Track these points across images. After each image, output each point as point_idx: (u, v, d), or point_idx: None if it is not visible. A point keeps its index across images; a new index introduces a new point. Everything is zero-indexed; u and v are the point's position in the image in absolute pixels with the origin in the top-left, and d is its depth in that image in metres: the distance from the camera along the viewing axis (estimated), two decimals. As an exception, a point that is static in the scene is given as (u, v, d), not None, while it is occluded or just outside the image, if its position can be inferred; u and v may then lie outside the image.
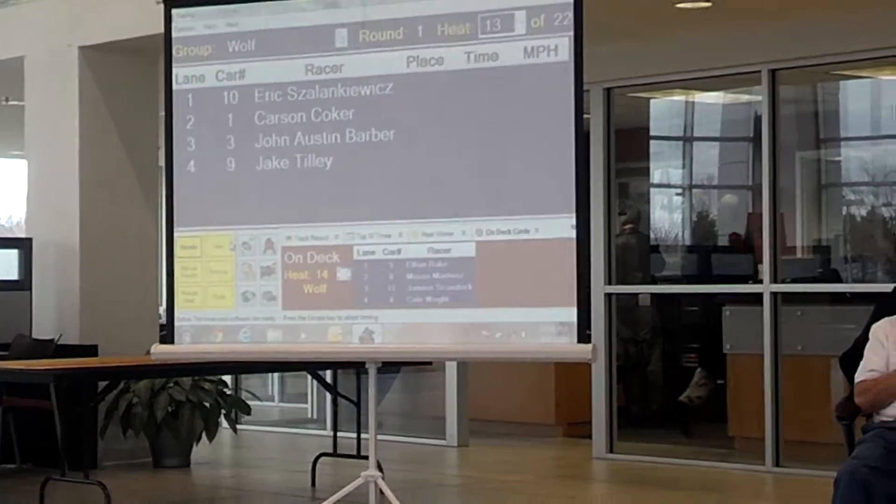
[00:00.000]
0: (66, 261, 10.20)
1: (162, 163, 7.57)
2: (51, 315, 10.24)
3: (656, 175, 13.05)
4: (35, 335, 10.00)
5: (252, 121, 6.98)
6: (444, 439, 11.21)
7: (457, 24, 6.64)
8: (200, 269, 7.09)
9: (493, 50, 6.59)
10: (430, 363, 10.74)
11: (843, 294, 9.99)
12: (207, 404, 9.98)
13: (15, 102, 11.77)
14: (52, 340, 9.79)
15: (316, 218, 6.88)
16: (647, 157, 12.42)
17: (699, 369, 11.34)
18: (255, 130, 6.97)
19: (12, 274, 10.31)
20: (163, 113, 7.23)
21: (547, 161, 6.51)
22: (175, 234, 7.09)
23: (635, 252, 11.58)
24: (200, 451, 10.25)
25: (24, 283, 10.25)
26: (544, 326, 6.53)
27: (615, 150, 10.32)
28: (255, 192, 6.99)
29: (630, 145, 11.59)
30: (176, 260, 7.09)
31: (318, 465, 9.18)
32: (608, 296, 10.24)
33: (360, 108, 6.82)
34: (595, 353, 6.52)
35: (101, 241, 10.22)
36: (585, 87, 6.75)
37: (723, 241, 12.62)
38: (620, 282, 10.49)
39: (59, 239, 10.25)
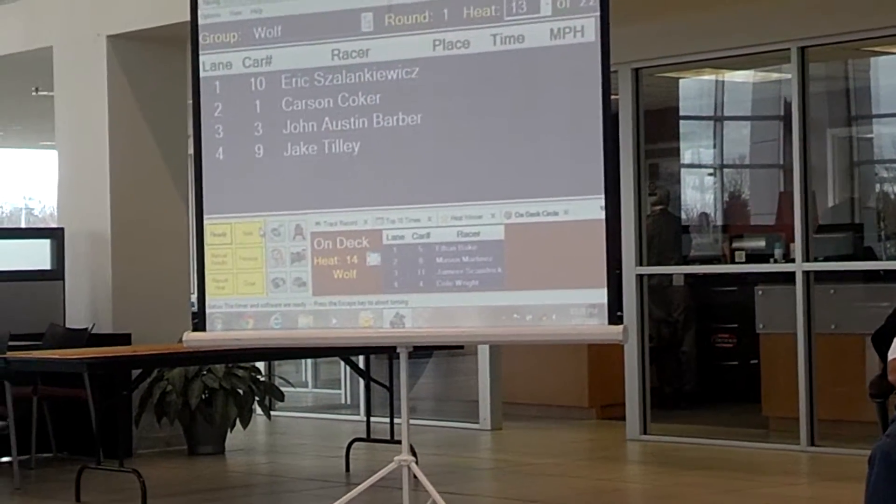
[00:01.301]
0: (98, 250, 10.24)
1: (191, 150, 7.57)
2: (84, 304, 10.28)
3: (687, 155, 13.00)
4: (68, 325, 10.05)
5: (279, 107, 6.98)
6: (478, 423, 11.21)
7: (482, 6, 6.62)
8: (230, 256, 7.09)
9: (519, 32, 6.56)
10: (461, 347, 10.74)
11: (877, 272, 9.94)
12: (241, 391, 10.01)
13: (45, 93, 11.81)
14: (85, 330, 9.83)
15: (345, 203, 6.87)
16: (676, 137, 12.37)
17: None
18: (283, 116, 6.97)
19: (45, 264, 10.36)
20: (191, 101, 7.24)
21: (575, 142, 6.48)
22: (204, 222, 7.09)
23: (666, 233, 11.54)
24: (235, 437, 10.29)
25: (56, 273, 10.29)
26: (575, 308, 6.50)
27: (644, 131, 10.28)
28: (284, 179, 6.98)
29: (659, 126, 11.55)
30: (206, 247, 7.10)
31: (351, 451, 9.20)
32: (640, 277, 10.21)
33: (387, 92, 6.80)
34: (626, 334, 6.49)
35: (133, 230, 10.25)
36: (613, 68, 6.72)
37: (755, 220, 12.58)
38: (652, 263, 10.46)
39: (90, 228, 10.29)
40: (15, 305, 9.89)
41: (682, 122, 12.38)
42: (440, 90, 6.73)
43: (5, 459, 9.25)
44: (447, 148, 6.70)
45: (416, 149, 6.74)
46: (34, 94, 12.76)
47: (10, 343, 8.89)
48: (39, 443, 9.54)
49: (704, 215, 12.93)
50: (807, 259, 9.37)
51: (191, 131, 7.32)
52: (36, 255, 10.39)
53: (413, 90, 6.76)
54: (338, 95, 6.87)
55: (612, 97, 6.82)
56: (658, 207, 11.54)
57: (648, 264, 10.33)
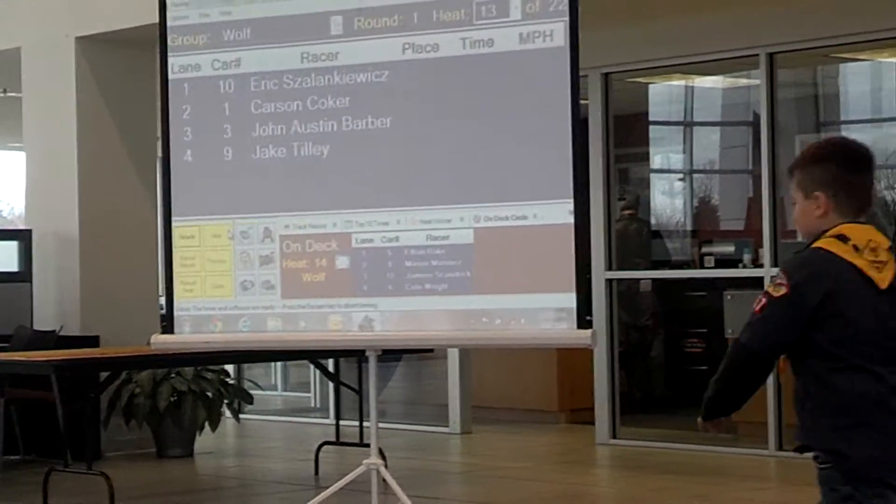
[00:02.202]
0: (66, 252, 10.21)
1: (160, 152, 7.55)
2: (51, 306, 10.24)
3: (656, 160, 13.04)
4: (36, 327, 10.01)
5: (248, 109, 6.97)
6: (447, 426, 11.22)
7: (452, 10, 6.62)
8: (199, 259, 7.08)
9: (488, 36, 6.57)
10: (430, 350, 10.74)
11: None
12: (210, 394, 9.99)
13: (13, 94, 11.76)
14: (53, 332, 9.79)
15: (314, 206, 6.87)
16: (646, 142, 12.41)
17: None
18: (252, 119, 6.96)
19: (12, 265, 10.32)
20: (160, 103, 7.22)
21: (544, 147, 6.49)
22: (173, 224, 7.08)
23: (635, 237, 11.57)
24: (204, 440, 10.26)
25: (24, 275, 10.25)
26: (544, 312, 6.51)
27: (614, 136, 10.31)
28: (253, 181, 6.97)
29: (629, 130, 11.58)
30: (175, 250, 7.08)
31: (321, 454, 9.19)
32: (609, 281, 10.24)
33: (356, 95, 6.80)
34: (595, 338, 6.50)
35: (101, 232, 10.22)
36: (583, 73, 6.73)
37: (725, 225, 12.61)
38: (621, 267, 10.48)
39: (58, 230, 10.25)
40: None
41: (651, 127, 12.42)
42: (410, 94, 6.74)
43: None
44: (417, 151, 6.70)
45: (386, 152, 6.74)
46: (2, 94, 12.71)
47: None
48: (7, 445, 9.49)
49: (674, 220, 12.97)
50: (775, 264, 9.41)
51: (160, 133, 7.30)
52: (3, 256, 10.35)
53: (383, 93, 6.77)
54: (307, 98, 6.87)
55: (582, 102, 6.82)
56: (627, 212, 11.57)
57: (618, 269, 10.35)
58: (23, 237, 10.39)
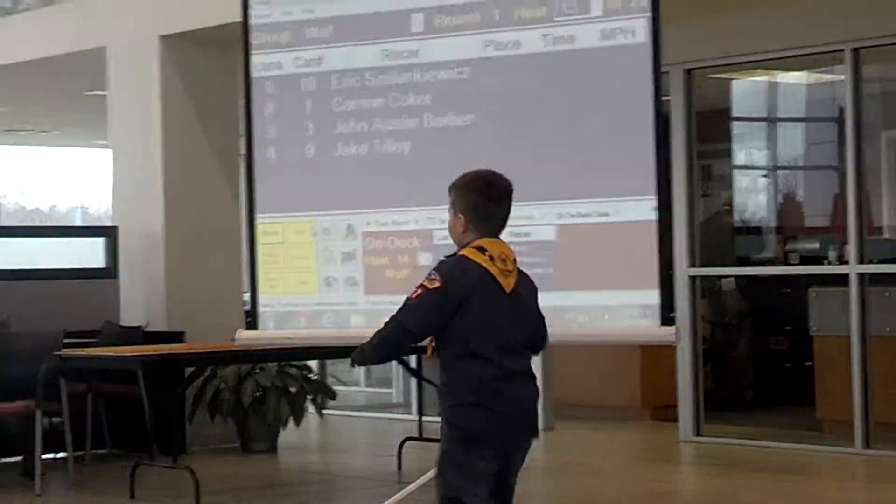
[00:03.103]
0: (152, 249, 10.31)
1: (243, 150, 7.61)
2: (138, 302, 10.35)
3: (740, 157, 12.93)
4: (122, 323, 10.12)
5: (330, 107, 7.01)
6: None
7: (533, 7, 6.62)
8: (282, 256, 7.14)
9: (569, 33, 6.56)
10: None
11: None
12: (293, 389, 10.05)
13: (98, 92, 11.90)
14: (139, 327, 9.90)
15: (395, 203, 6.89)
16: (729, 138, 12.31)
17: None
18: (334, 116, 7.00)
19: (99, 262, 10.45)
20: (242, 101, 7.28)
21: (627, 144, 6.47)
22: (256, 221, 7.14)
23: (719, 234, 11.48)
24: (287, 435, 10.33)
25: (110, 271, 10.37)
26: (627, 309, 6.50)
27: (697, 132, 10.23)
28: (335, 178, 7.01)
29: (712, 127, 11.49)
30: (258, 247, 7.14)
31: (403, 450, 9.21)
32: (692, 278, 10.17)
33: (438, 92, 6.82)
34: (678, 335, 6.48)
35: (186, 229, 10.31)
36: (665, 69, 6.70)
37: (810, 222, 12.49)
38: (705, 264, 10.41)
39: (144, 227, 10.35)
40: (70, 303, 9.96)
41: (734, 123, 12.32)
42: (491, 90, 6.74)
43: (60, 455, 9.32)
44: (498, 148, 6.69)
45: (467, 149, 6.74)
46: (87, 94, 12.86)
47: (66, 340, 8.95)
48: (94, 439, 9.62)
49: (758, 217, 12.86)
50: (861, 261, 9.30)
51: (243, 131, 7.36)
52: (90, 253, 10.48)
53: (464, 90, 6.78)
54: (388, 95, 6.89)
55: (664, 98, 6.79)
56: (725, 207, 11.51)
57: (701, 266, 10.28)
58: (109, 234, 10.51)
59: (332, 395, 10.77)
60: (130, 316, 10.23)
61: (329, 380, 11.98)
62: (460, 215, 4.79)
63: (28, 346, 8.84)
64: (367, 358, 4.87)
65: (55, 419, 9.11)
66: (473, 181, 4.85)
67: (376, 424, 11.98)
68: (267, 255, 7.16)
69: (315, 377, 10.65)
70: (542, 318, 4.87)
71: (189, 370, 8.78)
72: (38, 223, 21.76)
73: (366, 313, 6.98)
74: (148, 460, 8.25)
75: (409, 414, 11.51)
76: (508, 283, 4.66)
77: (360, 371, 13.84)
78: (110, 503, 8.30)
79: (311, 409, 10.56)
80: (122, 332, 9.82)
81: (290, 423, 10.12)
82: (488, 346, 4.56)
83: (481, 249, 4.67)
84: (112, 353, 8.46)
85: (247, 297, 8.23)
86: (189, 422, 9.85)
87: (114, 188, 10.87)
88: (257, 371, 9.91)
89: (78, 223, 21.95)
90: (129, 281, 10.37)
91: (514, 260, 4.74)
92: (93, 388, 9.45)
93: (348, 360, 5.11)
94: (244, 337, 7.38)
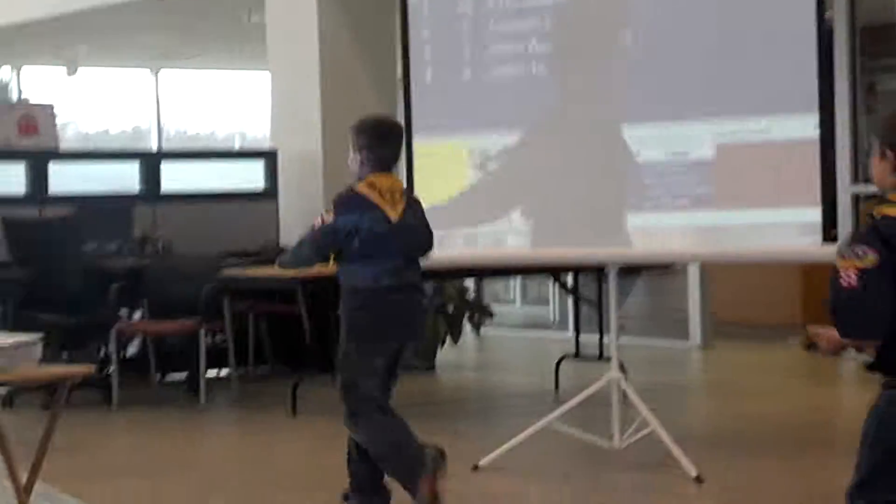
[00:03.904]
0: (310, 171, 10.40)
1: (400, 73, 7.62)
2: (297, 223, 10.44)
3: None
4: (282, 243, 10.26)
5: (486, 28, 6.97)
6: (688, 340, 11.14)
7: (692, -80, 6.49)
8: (438, 178, 7.15)
9: (730, -55, 6.43)
10: (670, 266, 10.67)
11: None
12: (451, 309, 10.12)
13: (258, 19, 11.99)
14: (298, 248, 10.01)
15: (550, 125, 6.85)
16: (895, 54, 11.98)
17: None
18: (489, 38, 6.96)
19: (259, 184, 10.60)
20: (399, 23, 7.27)
21: (788, 60, 6.34)
22: (413, 144, 7.16)
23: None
24: (445, 354, 10.42)
25: (270, 193, 10.52)
26: (787, 227, 6.41)
27: (861, 48, 9.97)
28: (491, 100, 6.99)
29: (877, 42, 11.19)
30: (415, 169, 7.17)
31: (560, 368, 9.24)
32: (855, 196, 9.97)
33: (595, 11, 6.74)
34: (840, 253, 6.36)
35: (343, 152, 10.33)
36: (828, -18, 6.53)
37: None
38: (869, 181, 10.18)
39: (302, 150, 10.45)
40: (231, 225, 10.13)
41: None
42: (648, 7, 6.65)
43: (224, 372, 9.53)
44: (656, 67, 6.61)
45: (624, 68, 6.68)
46: (248, 21, 12.96)
47: (227, 260, 9.12)
48: (256, 357, 9.80)
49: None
50: None
51: (400, 53, 7.36)
52: (250, 175, 10.65)
53: (621, 8, 6.69)
54: (544, 16, 6.83)
55: (827, 12, 6.62)
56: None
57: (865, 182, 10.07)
58: (269, 157, 10.65)
59: (490, 314, 10.83)
60: (290, 237, 10.34)
61: (486, 298, 12.04)
62: (356, 154, 5.70)
63: (192, 267, 9.04)
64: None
65: (218, 337, 9.32)
66: (363, 124, 5.81)
67: (532, 343, 12.03)
68: (423, 177, 7.17)
69: (472, 296, 10.71)
70: (430, 233, 5.80)
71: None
72: (198, 147, 22.12)
73: (522, 233, 6.98)
74: (309, 379, 8.39)
75: (566, 332, 11.53)
76: (395, 212, 5.58)
77: (516, 290, 13.88)
78: (272, 420, 8.47)
79: (468, 327, 10.63)
80: (282, 253, 9.94)
81: (448, 341, 10.21)
82: (372, 256, 5.52)
83: (371, 185, 5.58)
84: (273, 274, 8.57)
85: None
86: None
87: (272, 112, 10.99)
88: (415, 290, 9.99)
89: (236, 146, 22.27)
90: (288, 203, 10.50)
91: (402, 191, 5.69)
92: (254, 307, 9.61)
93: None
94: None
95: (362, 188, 5.58)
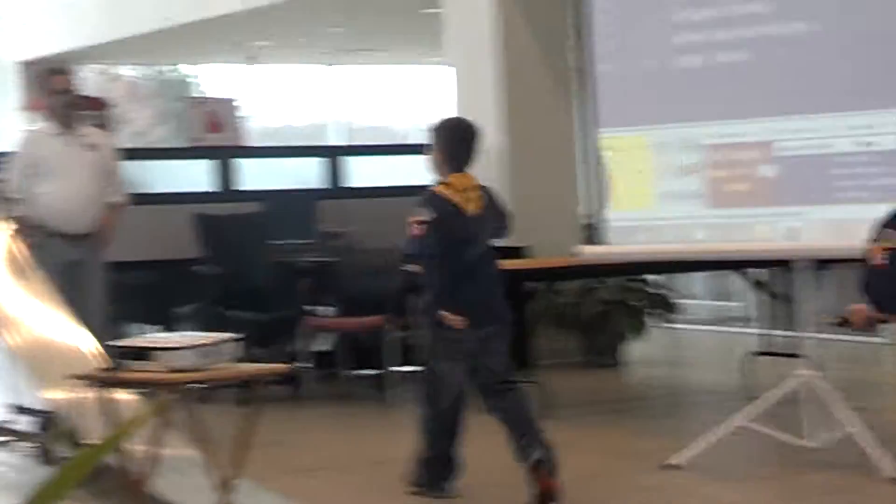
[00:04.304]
0: (489, 165, 10.35)
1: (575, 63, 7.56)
2: (480, 219, 10.45)
3: None
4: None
5: (668, 19, 6.88)
6: (883, 337, 10.85)
7: None
8: (621, 170, 7.08)
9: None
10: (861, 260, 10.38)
11: None
12: (636, 303, 10.02)
13: (431, 10, 12.03)
14: (483, 243, 9.99)
15: (735, 115, 6.72)
16: None
17: None
18: (671, 29, 6.86)
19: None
20: (576, 14, 7.22)
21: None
22: (595, 135, 7.10)
23: None
24: (630, 349, 10.32)
25: (455, 188, 10.52)
26: None
27: None
28: (673, 91, 6.89)
29: None
30: (595, 162, 7.11)
31: (751, 364, 9.08)
32: None
33: (779, 0, 6.60)
34: None
35: (523, 144, 10.32)
36: None
37: None
38: None
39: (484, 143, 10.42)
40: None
41: None
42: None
43: (411, 369, 9.56)
44: (841, 55, 6.43)
45: (808, 57, 6.51)
46: (422, 11, 13.01)
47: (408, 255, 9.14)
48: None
49: None
50: None
51: (575, 44, 7.30)
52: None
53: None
54: (726, 5, 6.71)
55: None
56: None
57: None
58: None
59: (675, 310, 10.70)
60: (473, 232, 10.34)
61: (670, 293, 11.89)
62: (436, 154, 6.12)
63: (377, 262, 9.09)
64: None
65: (405, 333, 9.36)
66: (445, 125, 6.24)
67: (720, 338, 11.84)
68: (605, 169, 7.11)
69: (657, 291, 10.59)
70: (505, 221, 6.28)
71: (531, 285, 8.83)
72: (380, 140, 22.37)
73: (708, 227, 6.87)
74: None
75: (754, 328, 11.32)
76: (470, 208, 6.05)
77: (702, 284, 13.70)
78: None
79: (653, 322, 10.52)
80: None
81: (633, 337, 10.12)
82: (455, 250, 5.99)
83: (449, 185, 6.06)
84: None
85: (586, 211, 8.21)
86: (533, 336, 9.94)
87: (452, 104, 11.00)
88: (599, 286, 9.92)
89: (416, 139, 22.45)
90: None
91: (478, 187, 6.14)
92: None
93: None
94: (586, 252, 7.38)
95: (440, 189, 6.08)
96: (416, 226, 5.98)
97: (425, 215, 5.96)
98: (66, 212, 7.90)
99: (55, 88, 8.01)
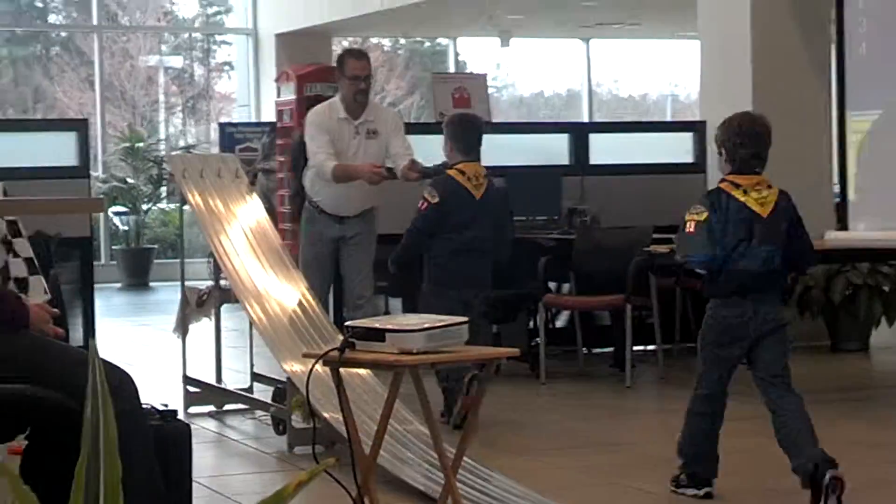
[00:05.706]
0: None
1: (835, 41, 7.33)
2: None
3: None
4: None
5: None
6: None
7: None
8: (874, 153, 6.88)
9: None
10: None
11: None
12: (886, 289, 9.73)
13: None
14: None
15: None
16: None
17: None
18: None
19: (687, 157, 10.51)
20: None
21: None
22: (846, 117, 6.90)
23: None
24: (879, 335, 10.02)
25: (698, 166, 10.40)
26: None
27: None
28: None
29: None
30: (847, 143, 6.91)
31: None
32: None
33: None
34: None
35: (774, 122, 10.06)
36: None
37: None
38: None
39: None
40: (658, 198, 9.98)
41: None
42: None
43: (651, 348, 9.48)
44: None
45: None
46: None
47: (654, 236, 9.05)
48: (682, 333, 9.69)
49: None
50: None
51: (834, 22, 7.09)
52: (679, 148, 10.63)
53: None
54: None
55: None
56: None
57: None
58: (696, 129, 10.55)
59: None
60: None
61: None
62: (449, 143, 7.36)
63: (618, 241, 9.01)
64: (398, 261, 7.58)
65: (644, 312, 9.27)
66: (454, 118, 7.53)
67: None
68: (857, 152, 6.91)
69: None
70: (510, 212, 7.82)
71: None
72: (629, 112, 22.25)
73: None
74: (735, 357, 8.20)
75: None
76: (478, 192, 7.34)
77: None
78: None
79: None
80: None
81: (883, 322, 9.82)
82: (457, 232, 7.30)
83: (460, 171, 7.30)
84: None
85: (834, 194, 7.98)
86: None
87: (702, 81, 10.82)
88: (848, 269, 9.65)
89: (667, 111, 22.23)
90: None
91: (484, 174, 7.39)
92: (680, 282, 9.50)
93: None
94: (834, 237, 7.20)
95: (452, 173, 7.28)
96: (425, 205, 7.21)
97: (436, 197, 7.15)
98: (342, 197, 7.85)
99: (348, 73, 7.79)
